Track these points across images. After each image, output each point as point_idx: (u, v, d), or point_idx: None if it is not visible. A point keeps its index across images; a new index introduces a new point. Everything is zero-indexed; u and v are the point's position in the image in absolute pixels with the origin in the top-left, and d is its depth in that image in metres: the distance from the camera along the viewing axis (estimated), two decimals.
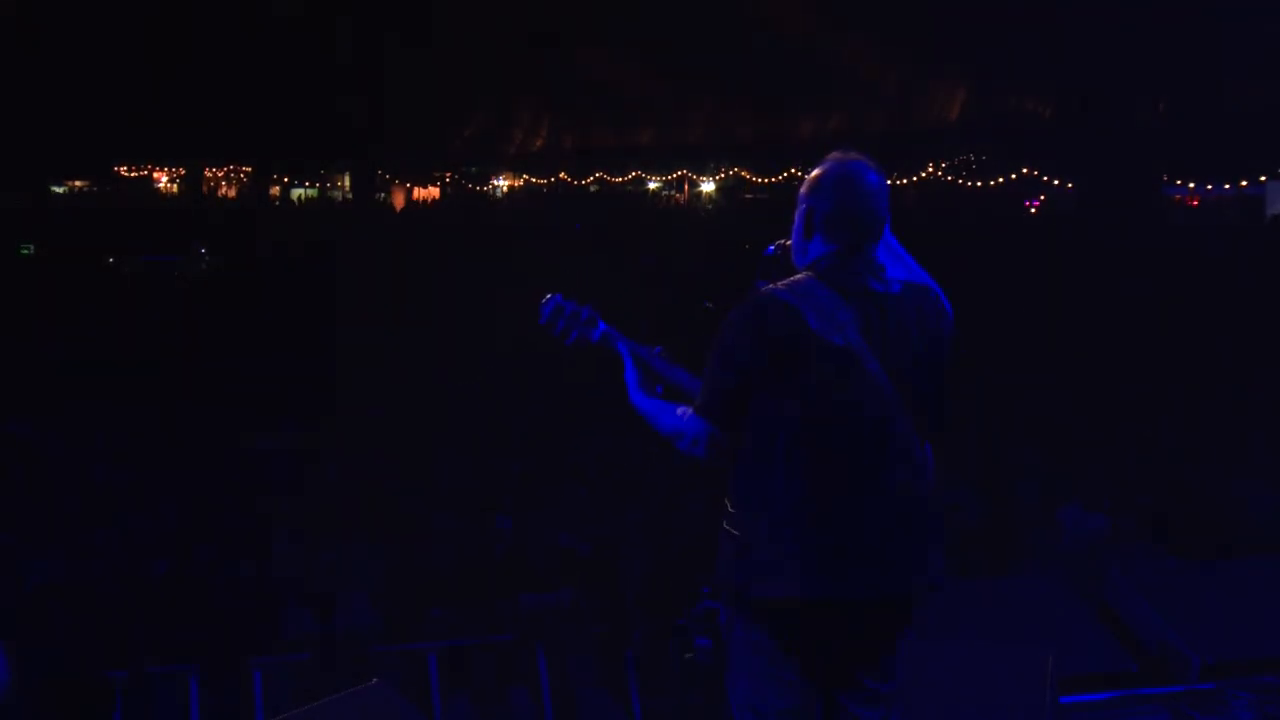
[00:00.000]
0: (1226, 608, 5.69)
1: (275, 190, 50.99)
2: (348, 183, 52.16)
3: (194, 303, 17.05)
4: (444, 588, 7.33)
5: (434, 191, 65.56)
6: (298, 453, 10.42)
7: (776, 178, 46.05)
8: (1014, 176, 36.46)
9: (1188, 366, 14.31)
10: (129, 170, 63.68)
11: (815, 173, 3.51)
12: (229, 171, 59.75)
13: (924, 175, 38.90)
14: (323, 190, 65.87)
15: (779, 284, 3.37)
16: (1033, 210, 35.07)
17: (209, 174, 55.13)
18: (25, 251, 24.72)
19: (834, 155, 3.56)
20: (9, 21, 39.29)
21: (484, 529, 8.12)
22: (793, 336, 3.22)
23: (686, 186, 58.43)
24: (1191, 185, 33.72)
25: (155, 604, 7.19)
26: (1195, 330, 16.02)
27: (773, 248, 3.67)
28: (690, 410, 3.38)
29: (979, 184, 38.85)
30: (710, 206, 55.03)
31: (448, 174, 65.28)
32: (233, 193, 55.38)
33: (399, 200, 60.63)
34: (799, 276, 3.39)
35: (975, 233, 26.16)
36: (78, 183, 61.96)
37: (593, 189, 49.04)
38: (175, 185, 64.04)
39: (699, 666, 4.63)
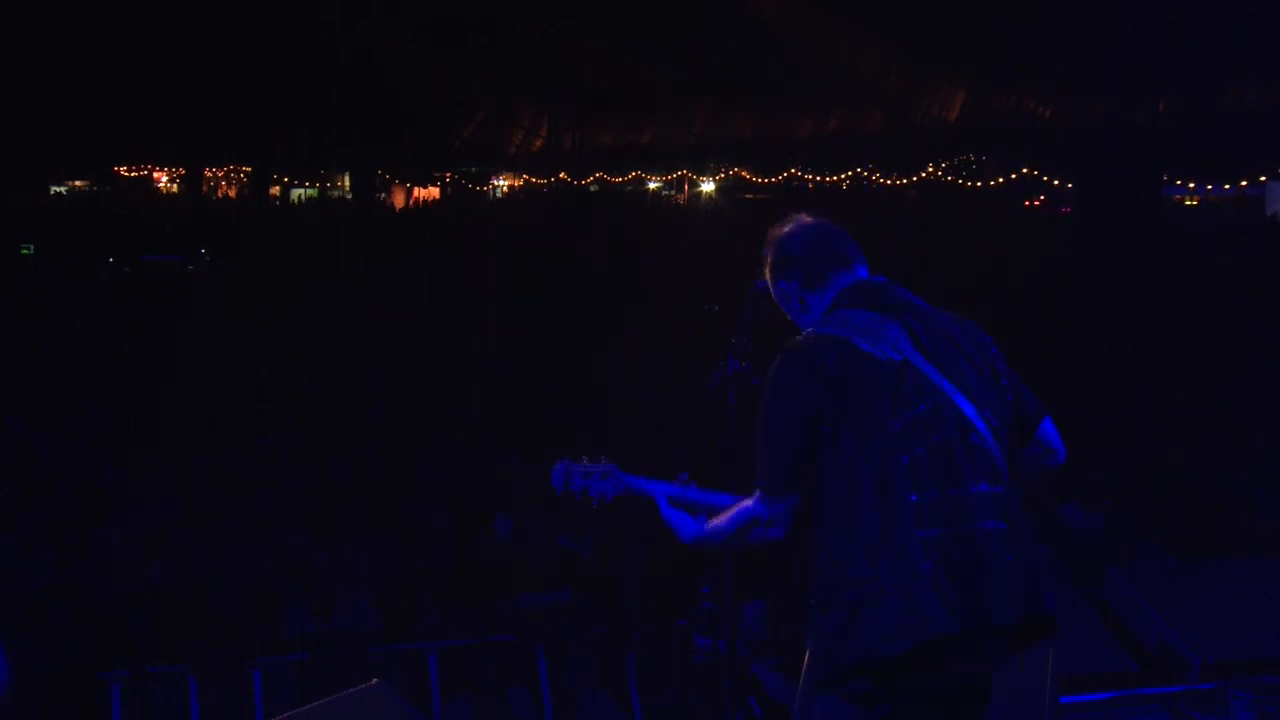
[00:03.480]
0: (1226, 608, 5.68)
1: (275, 190, 50.93)
2: (348, 183, 52.10)
3: (195, 303, 17.03)
4: (444, 588, 7.33)
5: (434, 191, 65.55)
6: (297, 452, 10.42)
7: (776, 178, 46.02)
8: (1014, 176, 36.43)
9: (1188, 366, 14.31)
10: (129, 170, 63.68)
11: (767, 260, 3.41)
12: (229, 171, 59.71)
13: (924, 175, 38.89)
14: (323, 190, 65.86)
15: (806, 331, 3.21)
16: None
17: (209, 174, 55.08)
18: (26, 251, 24.70)
19: (770, 235, 3.45)
20: (8, 22, 39.26)
21: (484, 529, 8.12)
22: (847, 365, 3.05)
23: (686, 186, 58.40)
24: (1191, 185, 33.70)
25: (155, 604, 7.19)
26: (1195, 330, 16.00)
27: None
28: (750, 498, 3.15)
29: (979, 184, 38.83)
30: (710, 206, 55.03)
31: (448, 174, 65.27)
32: (233, 192, 55.33)
33: (399, 200, 60.61)
34: (824, 316, 3.24)
35: (974, 232, 26.13)
36: (78, 183, 61.96)
37: (593, 189, 49.01)
38: (175, 185, 64.00)
39: (699, 666, 4.64)
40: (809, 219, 3.41)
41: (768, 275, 3.40)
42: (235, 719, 6.41)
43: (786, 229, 3.40)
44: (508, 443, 10.92)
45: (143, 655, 6.80)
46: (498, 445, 10.90)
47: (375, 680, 4.96)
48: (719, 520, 3.26)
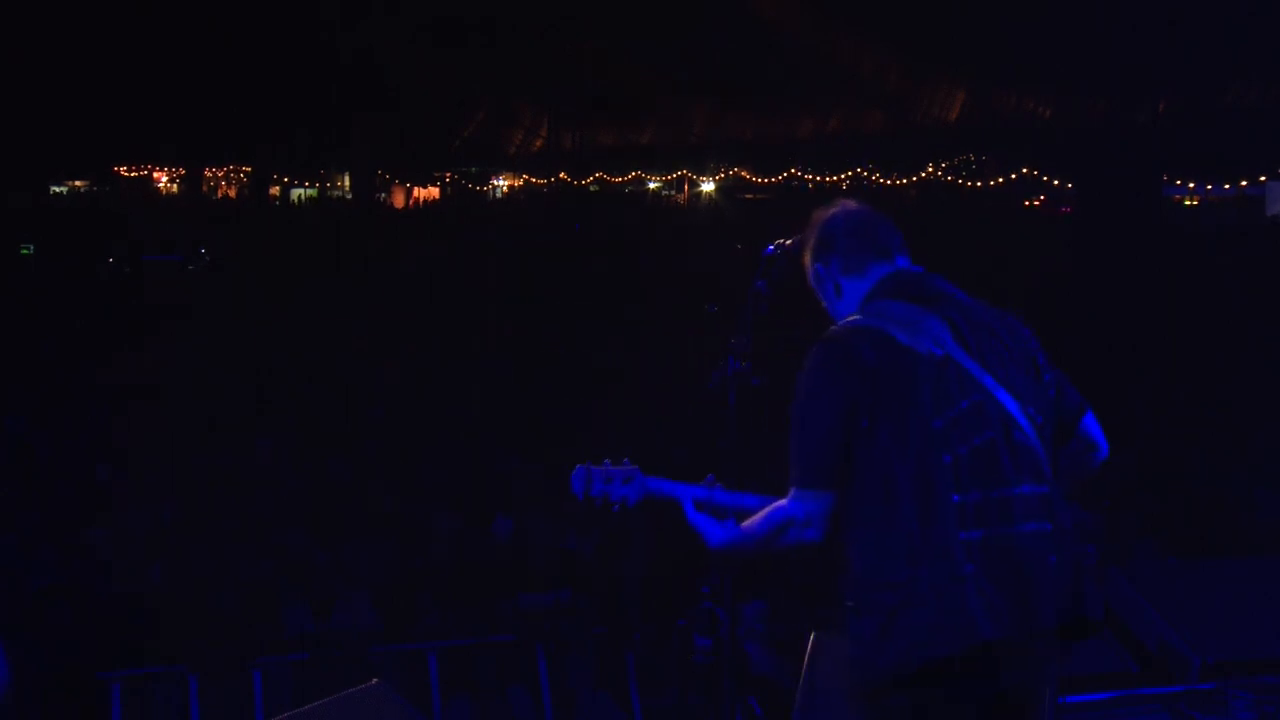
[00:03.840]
0: (1226, 608, 5.69)
1: (275, 190, 50.94)
2: (348, 183, 52.11)
3: (196, 302, 17.04)
4: (444, 588, 7.33)
5: (434, 191, 65.55)
6: (297, 452, 10.41)
7: (776, 178, 46.01)
8: (1014, 176, 36.43)
9: (1188, 366, 14.31)
10: (129, 170, 63.69)
11: (808, 241, 3.34)
12: (229, 171, 59.71)
13: (924, 175, 38.89)
14: (322, 190, 65.87)
15: (844, 321, 3.12)
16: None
17: (209, 174, 55.07)
18: (26, 251, 24.70)
19: (814, 216, 3.37)
20: (8, 22, 39.27)
21: (484, 529, 8.13)
22: (886, 358, 2.95)
23: (686, 186, 58.39)
24: (1191, 185, 33.70)
25: (155, 604, 7.19)
26: (1195, 330, 16.00)
27: (772, 248, 3.63)
28: (784, 498, 3.05)
29: (979, 184, 38.82)
30: (710, 206, 55.02)
31: (448, 174, 65.27)
32: (233, 192, 55.33)
33: (399, 200, 60.60)
34: (862, 306, 3.15)
35: (974, 232, 26.14)
36: (78, 183, 61.96)
37: (593, 189, 49.01)
38: (175, 185, 64.02)
39: (699, 666, 4.63)
40: (854, 204, 3.34)
41: (806, 257, 3.33)
42: (235, 719, 6.41)
43: (830, 212, 3.32)
44: (508, 443, 10.93)
45: (143, 655, 6.80)
46: (498, 445, 10.90)
47: (375, 680, 4.96)
48: (750, 523, 3.15)
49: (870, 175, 40.15)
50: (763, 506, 3.20)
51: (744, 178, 51.07)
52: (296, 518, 8.24)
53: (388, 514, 8.52)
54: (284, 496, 8.59)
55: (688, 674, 5.24)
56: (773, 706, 5.50)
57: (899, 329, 2.98)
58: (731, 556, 3.34)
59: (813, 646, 4.23)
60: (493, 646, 6.80)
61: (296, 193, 63.43)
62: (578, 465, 3.54)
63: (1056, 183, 35.60)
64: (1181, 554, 7.89)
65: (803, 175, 43.29)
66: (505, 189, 64.93)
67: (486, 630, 6.99)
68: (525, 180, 59.85)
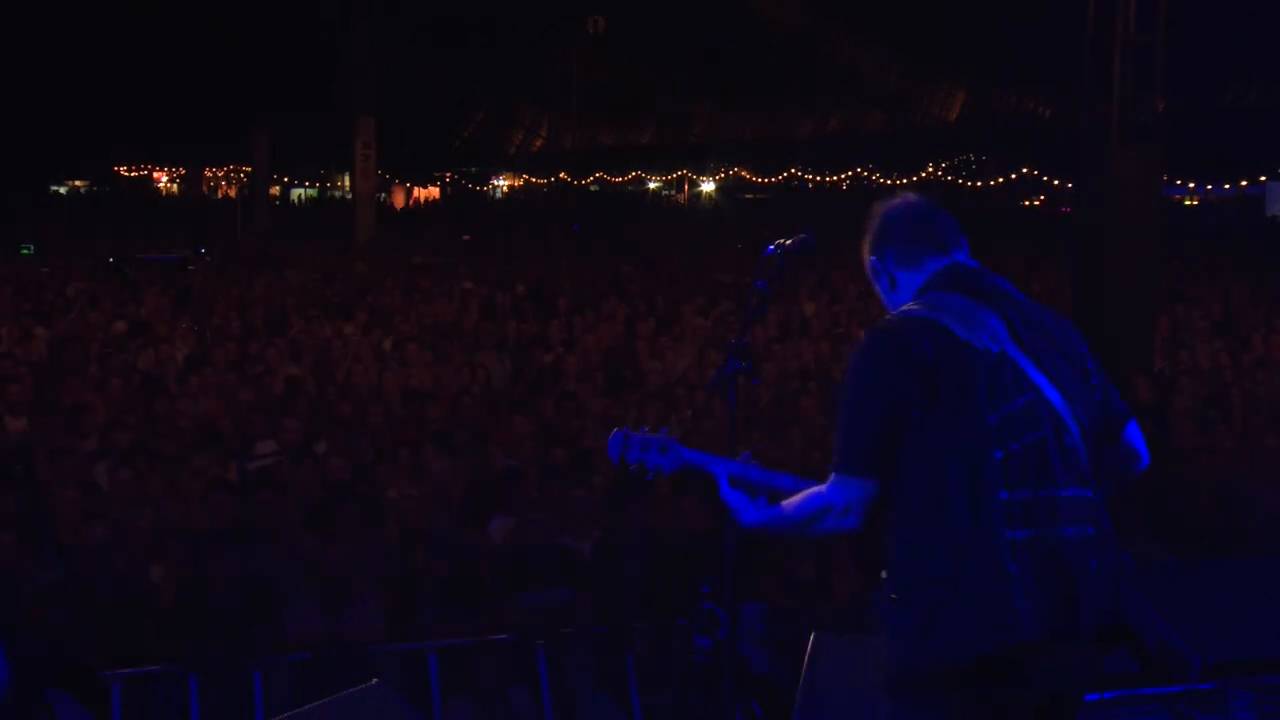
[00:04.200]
0: (1226, 608, 5.68)
1: (275, 190, 51.01)
2: (348, 183, 52.23)
3: (195, 302, 17.03)
4: (444, 588, 7.33)
5: (434, 191, 65.65)
6: (296, 451, 10.39)
7: (776, 178, 46.05)
8: (1014, 176, 36.47)
9: (1188, 365, 14.30)
10: (129, 170, 63.78)
11: (867, 233, 3.29)
12: (229, 171, 59.77)
13: (924, 175, 38.90)
14: (322, 190, 65.95)
15: (899, 311, 3.09)
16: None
17: (209, 174, 55.19)
18: (26, 251, 24.71)
19: (873, 208, 3.33)
20: (9, 22, 39.28)
21: (484, 529, 8.12)
22: (943, 351, 2.92)
23: (686, 186, 58.43)
24: (1191, 185, 33.73)
25: (155, 604, 7.19)
26: (1196, 329, 15.98)
27: (772, 248, 3.62)
28: (825, 483, 3.02)
29: (979, 184, 38.84)
30: (710, 206, 55.08)
31: (448, 174, 65.36)
32: (233, 192, 55.39)
33: (399, 200, 60.69)
34: (918, 296, 3.12)
35: (974, 232, 26.11)
36: (78, 183, 62.05)
37: (593, 189, 49.03)
38: (175, 185, 64.07)
39: (699, 666, 4.63)
40: (914, 197, 3.29)
41: (864, 250, 3.29)
42: (235, 719, 6.40)
43: (889, 204, 3.28)
44: (508, 442, 10.91)
45: (143, 655, 6.80)
46: (498, 445, 10.88)
47: (375, 680, 4.96)
48: (789, 505, 3.12)
49: (870, 175, 40.19)
50: (797, 488, 3.19)
51: (744, 178, 51.13)
52: (297, 517, 8.24)
53: (388, 513, 8.51)
54: (284, 496, 8.58)
55: (688, 674, 5.24)
56: (773, 707, 5.50)
57: (956, 322, 2.95)
58: (766, 534, 3.28)
59: (813, 646, 4.23)
60: (493, 646, 6.79)
61: (296, 193, 63.52)
62: (615, 430, 3.52)
63: (1056, 183, 35.62)
64: (1181, 554, 7.89)
65: (803, 175, 43.32)
66: (505, 189, 65.03)
67: (486, 630, 6.99)
68: (525, 180, 59.91)
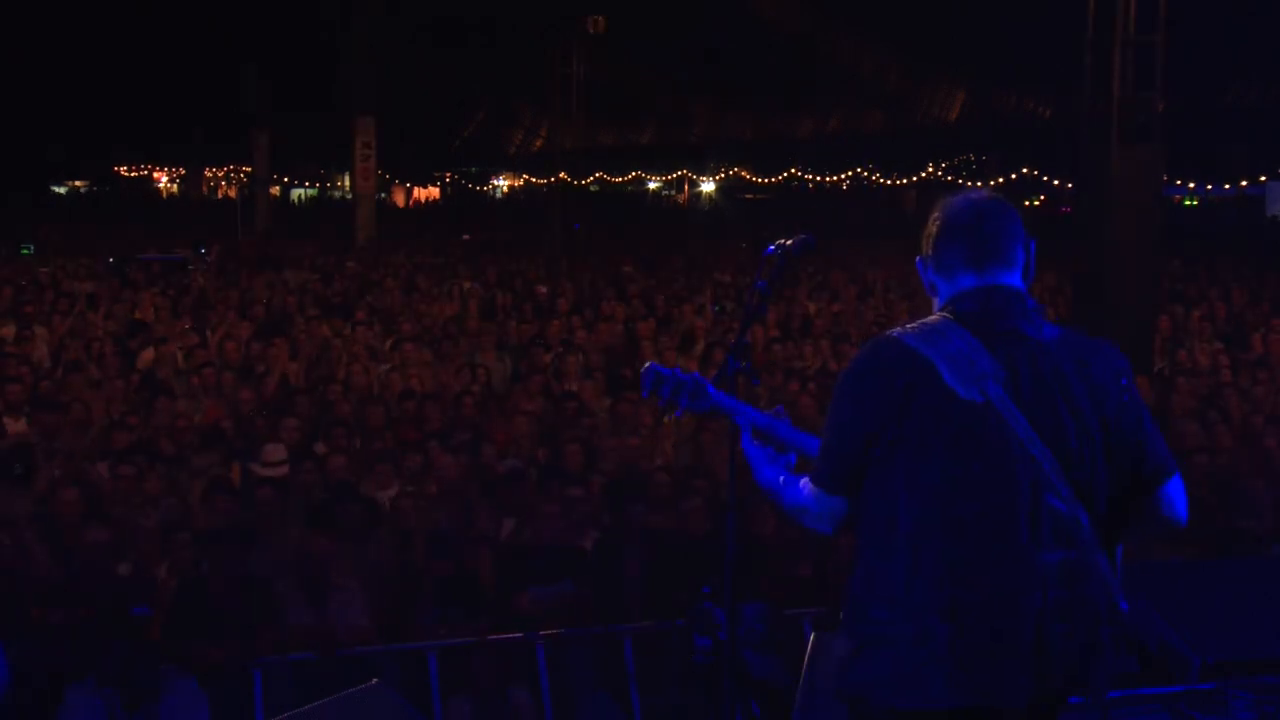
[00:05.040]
0: (1226, 608, 5.69)
1: (275, 190, 51.03)
2: (348, 182, 52.27)
3: (195, 302, 17.02)
4: (444, 587, 7.33)
5: (434, 191, 65.66)
6: (295, 450, 10.39)
7: (776, 178, 46.03)
8: (1014, 176, 36.47)
9: (1188, 364, 14.30)
10: (129, 170, 63.79)
11: (926, 225, 3.11)
12: (229, 171, 59.76)
13: (924, 175, 38.89)
14: (322, 190, 65.95)
15: (909, 326, 2.94)
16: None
17: (209, 174, 55.18)
18: (26, 251, 24.71)
19: (939, 200, 3.15)
20: (9, 22, 39.29)
21: (484, 528, 8.12)
22: (920, 389, 2.80)
23: (686, 186, 58.42)
24: (1191, 185, 33.73)
25: (155, 604, 7.19)
26: (1196, 329, 15.98)
27: (772, 248, 3.62)
28: (810, 482, 3.00)
29: (979, 184, 38.88)
30: (710, 206, 55.07)
31: (448, 174, 65.37)
32: (233, 193, 55.39)
33: (399, 200, 60.70)
34: (932, 317, 2.97)
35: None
36: (78, 183, 62.06)
37: (593, 189, 49.03)
38: (175, 185, 64.06)
39: (699, 666, 4.63)
40: (978, 196, 3.06)
41: (922, 244, 3.13)
42: (235, 719, 6.40)
43: (950, 200, 3.09)
44: (507, 442, 10.91)
45: (143, 655, 6.80)
46: (497, 444, 10.88)
47: (375, 680, 4.96)
48: (787, 489, 3.09)
49: (870, 175, 40.17)
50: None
51: (744, 178, 51.11)
52: (296, 517, 8.24)
53: (388, 512, 8.52)
54: (284, 496, 8.58)
55: (688, 674, 5.24)
56: (773, 707, 5.50)
57: (946, 364, 2.80)
58: (768, 498, 3.22)
59: (813, 647, 4.23)
60: (493, 646, 6.80)
61: (296, 193, 63.52)
62: (650, 363, 3.51)
63: (1056, 183, 35.63)
64: (1181, 554, 7.88)
65: (803, 175, 43.30)
66: (505, 189, 65.03)
67: (486, 630, 6.99)
68: (525, 180, 59.88)
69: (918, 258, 3.12)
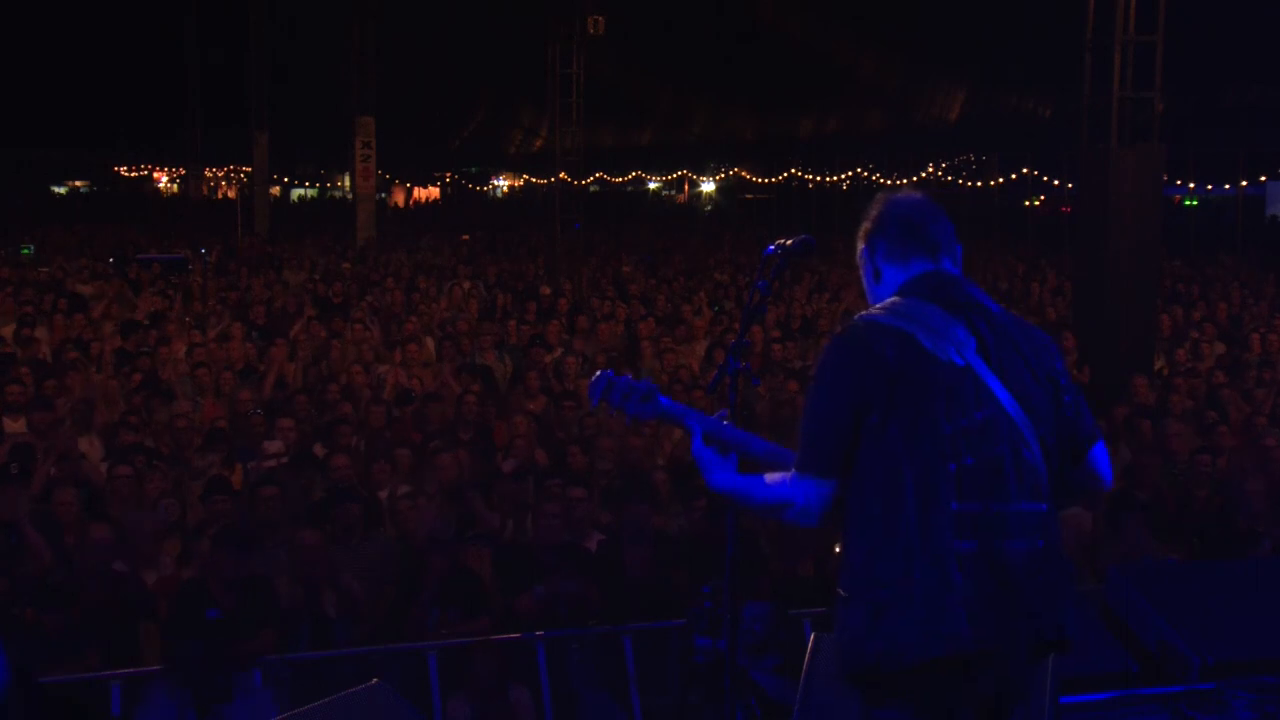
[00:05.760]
0: (1226, 608, 5.69)
1: (275, 190, 51.00)
2: (348, 183, 52.21)
3: (196, 301, 17.02)
4: (444, 587, 7.33)
5: (434, 191, 65.63)
6: (295, 450, 10.40)
7: (776, 178, 46.00)
8: (1014, 176, 36.43)
9: (1187, 365, 14.30)
10: (129, 170, 63.76)
11: (865, 221, 3.33)
12: (229, 171, 59.73)
13: (924, 175, 38.87)
14: (322, 190, 65.93)
15: (873, 309, 3.14)
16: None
17: (209, 174, 55.10)
18: (26, 251, 24.72)
19: (877, 197, 3.37)
20: (10, 22, 39.32)
21: (484, 528, 8.12)
22: (907, 360, 2.97)
23: (686, 186, 58.40)
24: (1191, 185, 33.72)
25: (155, 604, 7.19)
26: (1195, 328, 15.99)
27: (772, 248, 3.62)
28: (788, 474, 3.10)
29: (979, 184, 38.83)
30: (710, 206, 55.05)
31: (448, 174, 65.33)
32: (233, 193, 55.35)
33: (399, 200, 60.67)
34: (890, 300, 3.15)
35: (974, 232, 26.14)
36: (78, 183, 62.04)
37: (593, 189, 49.01)
38: (175, 185, 64.02)
39: (699, 666, 4.63)
40: (919, 195, 3.33)
41: (860, 237, 3.33)
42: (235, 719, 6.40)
43: (893, 197, 3.32)
44: (507, 442, 10.90)
45: (142, 655, 6.80)
46: (497, 444, 10.88)
47: (375, 680, 4.96)
48: (756, 484, 3.17)
49: (870, 175, 40.13)
50: (767, 453, 3.27)
51: (744, 178, 51.07)
52: (297, 518, 8.24)
53: (388, 512, 8.52)
54: (284, 496, 8.58)
55: (688, 674, 5.24)
56: (772, 708, 5.50)
57: (923, 332, 3.00)
58: (728, 500, 3.30)
59: (813, 646, 4.23)
60: (493, 646, 6.79)
61: (296, 193, 63.50)
62: (600, 372, 3.56)
63: (1056, 183, 35.61)
64: (1181, 554, 7.89)
65: (803, 175, 43.26)
66: (505, 189, 65.00)
67: (486, 630, 6.99)
68: (525, 180, 59.84)
69: (864, 247, 3.29)
